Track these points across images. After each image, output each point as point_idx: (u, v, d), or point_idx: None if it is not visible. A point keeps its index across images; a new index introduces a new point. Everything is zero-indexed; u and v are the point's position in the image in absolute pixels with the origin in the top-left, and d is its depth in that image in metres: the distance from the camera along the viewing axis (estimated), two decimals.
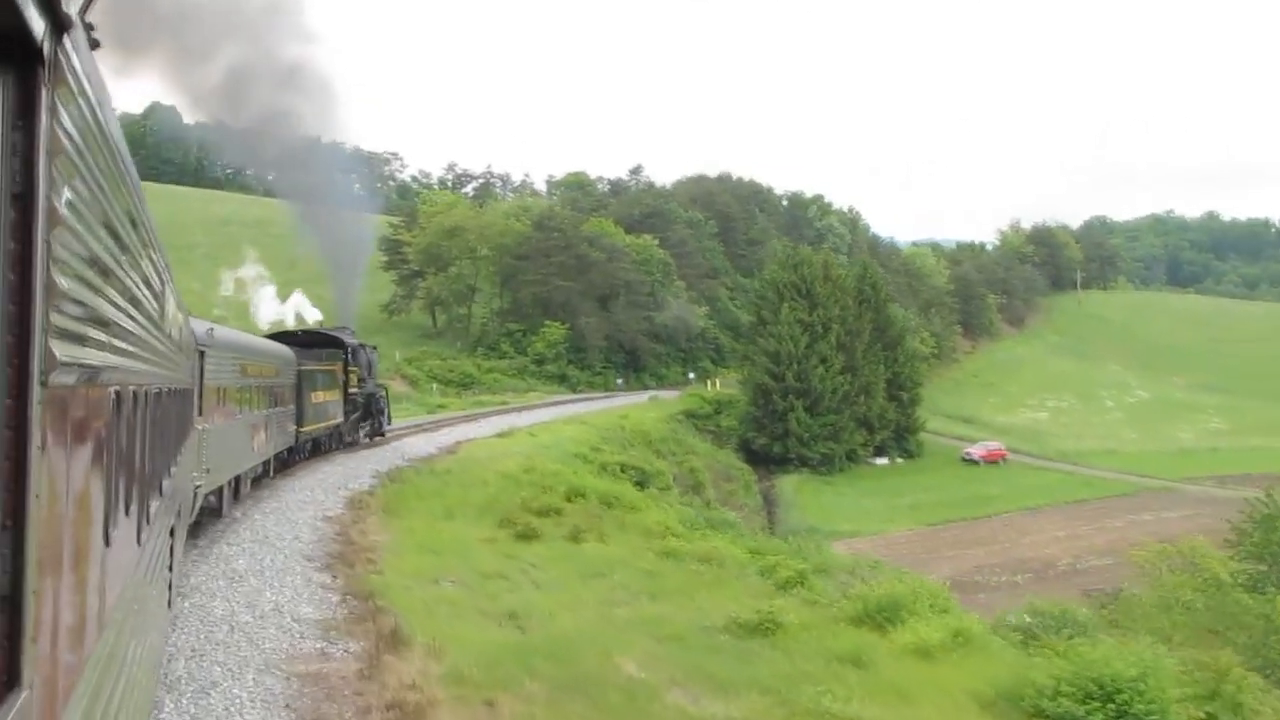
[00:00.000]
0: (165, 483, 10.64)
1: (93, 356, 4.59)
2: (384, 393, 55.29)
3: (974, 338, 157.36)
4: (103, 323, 4.97)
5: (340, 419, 45.68)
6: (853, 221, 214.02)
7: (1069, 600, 54.51)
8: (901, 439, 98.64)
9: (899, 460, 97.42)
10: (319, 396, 40.85)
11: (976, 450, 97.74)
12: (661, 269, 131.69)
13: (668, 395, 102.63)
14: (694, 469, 71.26)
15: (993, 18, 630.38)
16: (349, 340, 48.14)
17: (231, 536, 24.50)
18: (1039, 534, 72.44)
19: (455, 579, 23.26)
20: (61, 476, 3.84)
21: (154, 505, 9.08)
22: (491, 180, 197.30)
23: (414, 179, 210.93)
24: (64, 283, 3.69)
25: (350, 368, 46.41)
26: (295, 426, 36.92)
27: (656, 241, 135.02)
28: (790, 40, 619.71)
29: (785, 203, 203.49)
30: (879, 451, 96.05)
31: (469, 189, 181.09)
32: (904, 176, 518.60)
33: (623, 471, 55.44)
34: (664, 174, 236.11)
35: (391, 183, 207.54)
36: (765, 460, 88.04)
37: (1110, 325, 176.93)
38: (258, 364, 28.83)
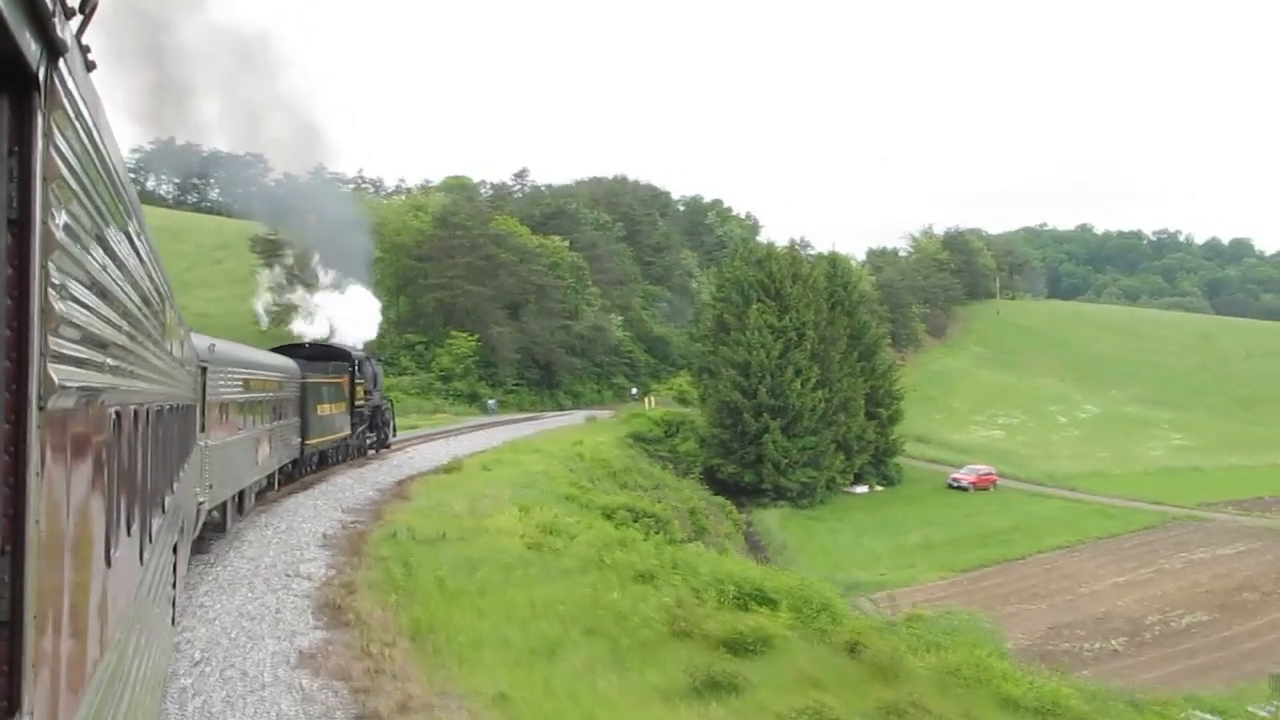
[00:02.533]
0: (168, 500, 10.73)
1: (91, 379, 4.57)
2: (389, 405, 55.19)
3: (900, 349, 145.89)
4: (101, 344, 4.94)
5: (347, 431, 45.52)
6: (752, 229, 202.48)
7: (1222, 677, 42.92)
8: (879, 463, 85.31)
9: (878, 488, 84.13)
10: (324, 409, 40.79)
11: (965, 475, 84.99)
12: (574, 273, 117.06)
13: (601, 415, 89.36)
14: (694, 510, 56.88)
15: (869, 36, 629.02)
16: (355, 353, 48.21)
17: None
18: (1095, 580, 59.87)
19: None
20: (61, 500, 3.87)
21: (156, 523, 9.13)
22: (363, 185, 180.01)
23: (277, 184, 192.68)
24: (61, 307, 3.73)
25: (356, 380, 46.37)
26: (300, 439, 37.14)
27: (567, 243, 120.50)
28: (674, 40, 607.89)
29: (682, 208, 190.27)
30: (856, 478, 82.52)
31: None
32: (796, 187, 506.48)
33: (635, 520, 41.89)
34: (550, 180, 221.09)
35: (252, 188, 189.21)
36: (734, 491, 73.68)
37: (1032, 335, 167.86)
38: (261, 378, 28.67)
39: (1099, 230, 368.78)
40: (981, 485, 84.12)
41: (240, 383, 24.97)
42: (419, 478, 44.06)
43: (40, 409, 3.27)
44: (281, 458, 34.24)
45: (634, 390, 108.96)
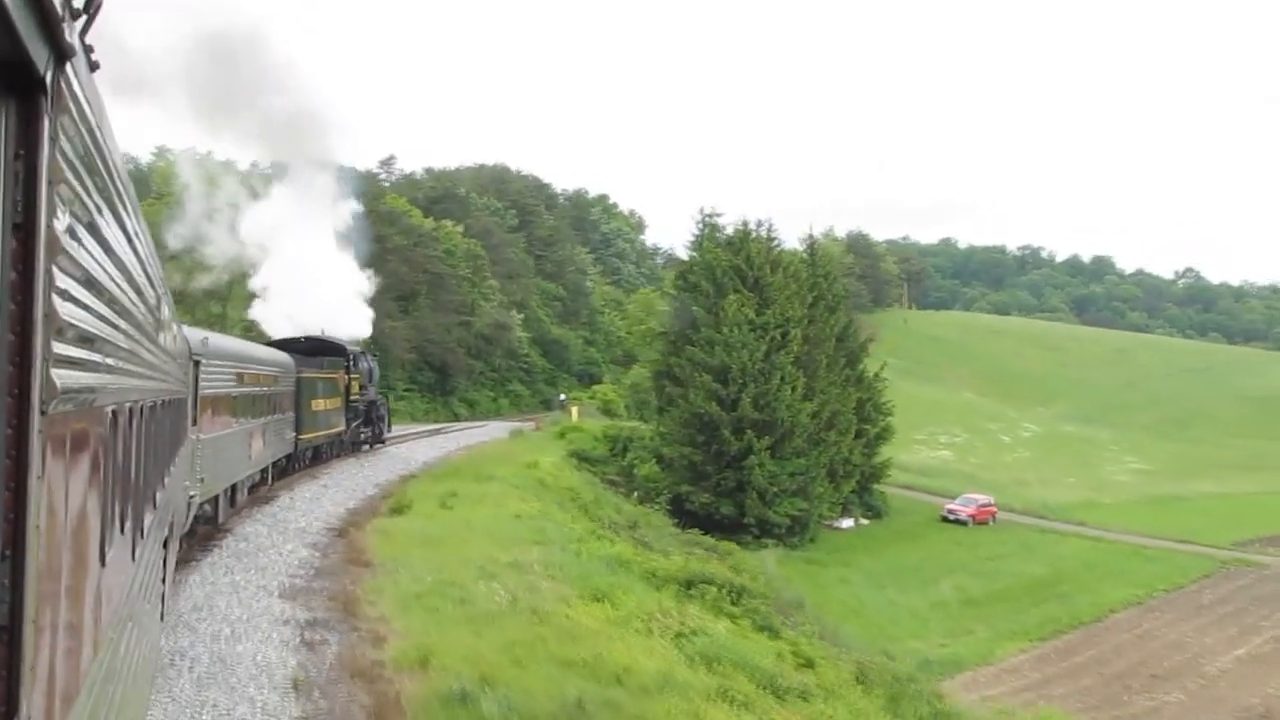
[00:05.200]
0: (159, 495, 10.63)
1: (91, 380, 4.52)
2: (384, 400, 55.47)
3: None
4: (101, 345, 4.88)
5: (341, 427, 45.15)
6: (638, 226, 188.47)
7: None
8: (864, 490, 71.13)
9: (864, 521, 69.99)
10: (319, 404, 40.52)
11: (961, 507, 71.51)
12: (470, 263, 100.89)
13: (517, 428, 74.01)
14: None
15: (735, 50, 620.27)
16: (350, 348, 47.72)
17: None
18: (1212, 655, 47.20)
19: None
20: (60, 502, 3.84)
21: (148, 519, 9.04)
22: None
23: None
24: (64, 310, 3.70)
25: (351, 375, 46.20)
26: (294, 434, 36.85)
27: (461, 229, 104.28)
28: (541, 26, 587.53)
29: (564, 201, 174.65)
30: (842, 510, 68.23)
31: None
32: (678, 188, 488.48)
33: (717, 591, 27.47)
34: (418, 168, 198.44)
35: None
36: (707, 526, 58.24)
37: (945, 346, 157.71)
38: (255, 372, 28.56)
39: (962, 244, 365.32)
40: (981, 518, 70.83)
41: (234, 376, 24.80)
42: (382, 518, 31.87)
43: (42, 413, 3.24)
44: (275, 452, 33.86)
45: (563, 397, 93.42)
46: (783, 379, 61.38)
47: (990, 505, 72.44)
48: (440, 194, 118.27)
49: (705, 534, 55.23)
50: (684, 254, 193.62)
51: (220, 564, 23.66)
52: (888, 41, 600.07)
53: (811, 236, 76.43)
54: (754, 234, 68.29)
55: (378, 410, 52.30)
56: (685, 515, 58.83)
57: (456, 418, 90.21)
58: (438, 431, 70.90)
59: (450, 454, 55.34)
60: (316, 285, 52.06)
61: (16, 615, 3.09)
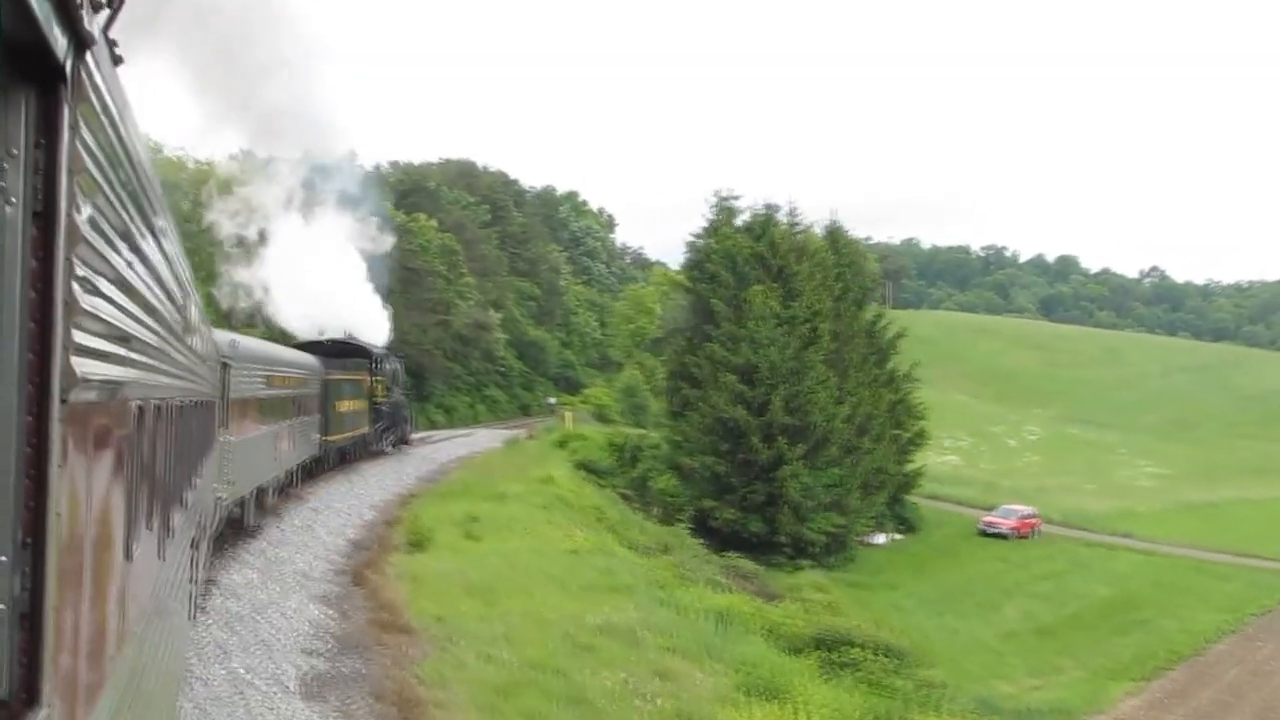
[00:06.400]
0: (188, 495, 10.64)
1: (114, 372, 4.54)
2: (407, 402, 55.99)
3: None
4: (124, 338, 4.89)
5: (366, 428, 45.40)
6: (607, 224, 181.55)
7: None
8: (893, 501, 64.48)
9: (896, 535, 63.41)
10: (345, 406, 40.62)
11: (1001, 519, 65.09)
12: (446, 259, 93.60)
13: (508, 434, 68.17)
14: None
15: (692, 49, 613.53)
16: (375, 350, 48.03)
17: None
18: None
19: None
20: (82, 493, 3.85)
21: (176, 518, 9.10)
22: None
23: None
24: (85, 300, 3.70)
25: (376, 377, 46.39)
26: (320, 436, 36.90)
27: (435, 223, 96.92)
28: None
29: (533, 198, 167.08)
30: (876, 524, 61.58)
31: None
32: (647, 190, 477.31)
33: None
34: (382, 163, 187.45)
35: None
36: (733, 545, 51.47)
37: (930, 346, 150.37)
38: (282, 374, 28.71)
39: (925, 245, 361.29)
40: (1023, 531, 64.48)
41: (262, 379, 24.75)
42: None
43: (63, 402, 3.23)
44: (302, 454, 33.83)
45: (552, 401, 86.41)
46: (819, 381, 54.70)
47: (1033, 517, 66.10)
48: (410, 187, 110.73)
49: (737, 556, 48.80)
50: (654, 254, 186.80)
51: (210, 640, 16.67)
52: (843, 43, 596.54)
53: (834, 222, 69.52)
54: (776, 219, 61.54)
55: (401, 412, 52.39)
56: (709, 533, 52.15)
57: (434, 425, 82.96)
58: (422, 440, 63.83)
59: (446, 466, 48.97)
60: (336, 287, 52.11)
61: (37, 603, 3.05)
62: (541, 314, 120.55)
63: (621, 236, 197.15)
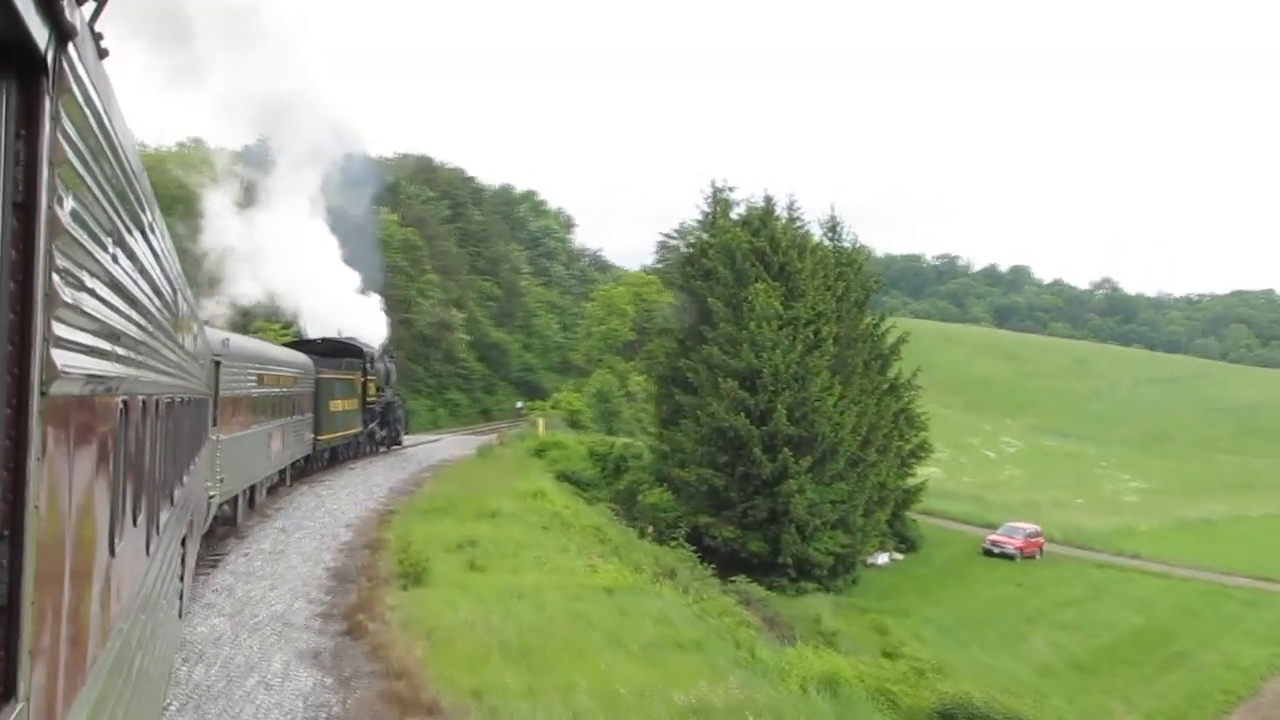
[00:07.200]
0: (177, 492, 10.51)
1: (98, 366, 4.48)
2: (401, 402, 55.85)
3: None
4: (108, 333, 4.80)
5: (359, 428, 45.28)
6: (566, 225, 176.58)
7: None
8: (893, 518, 60.08)
9: (897, 555, 59.10)
10: (337, 405, 40.53)
11: (1007, 539, 61.10)
12: (408, 255, 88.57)
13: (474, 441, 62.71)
14: None
15: (640, 48, 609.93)
16: (368, 349, 47.31)
17: None
18: None
19: None
20: (63, 486, 3.78)
21: (165, 515, 8.98)
22: None
23: None
24: (66, 292, 3.65)
25: (369, 377, 46.08)
26: (313, 435, 36.67)
27: (396, 217, 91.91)
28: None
29: (490, 197, 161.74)
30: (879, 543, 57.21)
31: None
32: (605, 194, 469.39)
33: None
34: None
35: None
36: (730, 564, 46.89)
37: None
38: (275, 373, 28.35)
39: (879, 254, 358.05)
40: (1029, 551, 60.50)
41: (254, 377, 24.48)
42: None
43: (43, 394, 3.20)
44: (294, 453, 33.54)
45: (520, 405, 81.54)
46: (822, 386, 50.27)
47: (1038, 536, 62.14)
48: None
49: (729, 578, 44.25)
50: (611, 257, 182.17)
51: None
52: (794, 49, 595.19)
53: (833, 217, 64.97)
54: (776, 213, 57.06)
55: (394, 412, 52.30)
56: (704, 553, 47.25)
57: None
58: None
59: (419, 475, 44.22)
60: (328, 285, 51.91)
61: (15, 596, 3.02)
62: (502, 315, 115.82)
63: (578, 239, 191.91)
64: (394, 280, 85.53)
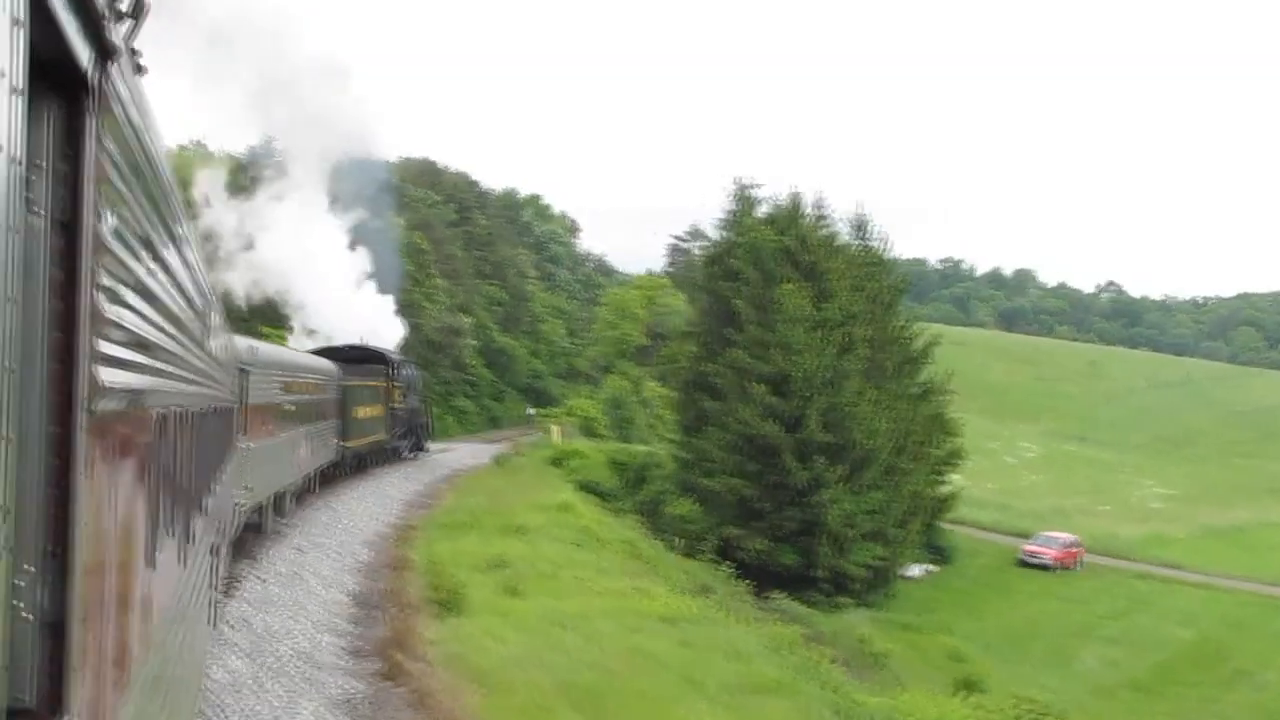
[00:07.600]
0: (208, 501, 10.48)
1: (137, 381, 4.51)
2: (425, 408, 55.54)
3: None
4: (147, 347, 4.86)
5: (384, 434, 45.25)
6: (571, 229, 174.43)
7: None
8: (926, 528, 57.68)
9: (931, 567, 56.82)
10: (362, 412, 40.75)
11: (1043, 549, 58.89)
12: (414, 258, 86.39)
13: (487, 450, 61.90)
14: None
15: (641, 54, 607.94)
16: (392, 356, 47.82)
17: None
18: None
19: None
20: (107, 502, 3.80)
21: (197, 524, 8.95)
22: None
23: None
24: (109, 309, 3.67)
25: (394, 383, 46.09)
26: (338, 441, 36.81)
27: (401, 220, 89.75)
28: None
29: (493, 201, 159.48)
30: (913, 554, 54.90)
31: None
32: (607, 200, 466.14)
33: None
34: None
35: None
36: (761, 579, 44.40)
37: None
38: (301, 381, 28.88)
39: (886, 258, 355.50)
40: (1067, 562, 58.27)
41: (280, 385, 24.84)
42: None
43: (89, 412, 3.22)
44: (320, 460, 33.57)
45: (531, 411, 79.37)
46: (856, 390, 48.00)
47: (1076, 546, 59.90)
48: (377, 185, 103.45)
49: (763, 594, 42.04)
50: (615, 262, 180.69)
51: None
52: (791, 55, 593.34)
53: (861, 215, 62.53)
54: (804, 211, 54.74)
55: (419, 418, 52.47)
56: (735, 566, 44.93)
57: None
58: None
59: (435, 486, 42.25)
60: (349, 293, 52.07)
61: (62, 613, 3.03)
62: (508, 320, 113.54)
63: (582, 243, 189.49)
64: (401, 285, 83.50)
